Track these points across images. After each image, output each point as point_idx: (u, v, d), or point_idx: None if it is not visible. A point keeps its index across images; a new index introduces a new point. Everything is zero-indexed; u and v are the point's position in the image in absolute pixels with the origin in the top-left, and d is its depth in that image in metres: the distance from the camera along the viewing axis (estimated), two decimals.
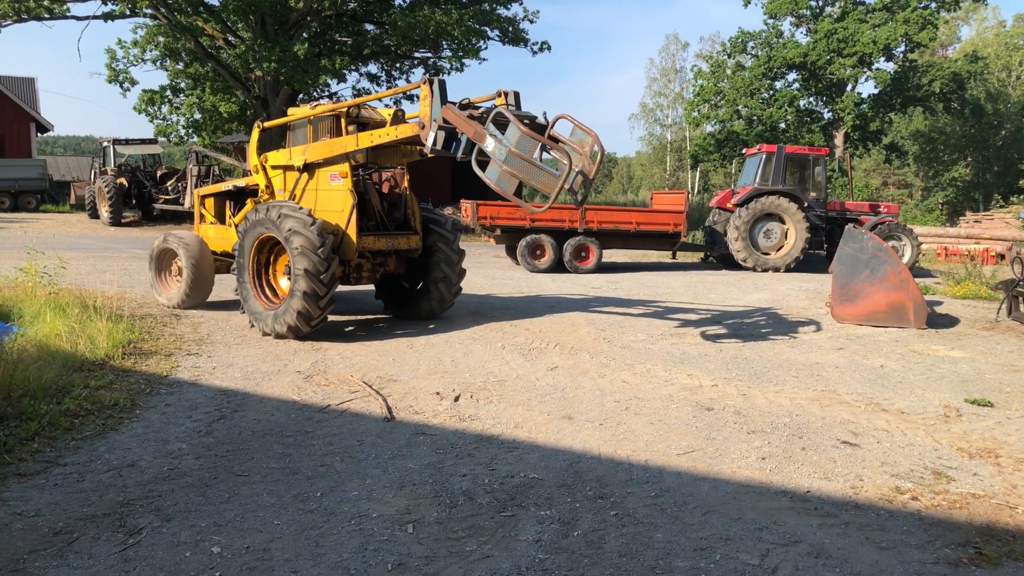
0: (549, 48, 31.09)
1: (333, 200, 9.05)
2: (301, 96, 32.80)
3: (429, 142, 7.83)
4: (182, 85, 29.96)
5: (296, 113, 9.90)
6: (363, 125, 9.15)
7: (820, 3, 37.52)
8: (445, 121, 7.65)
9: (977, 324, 10.98)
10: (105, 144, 27.77)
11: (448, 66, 31.46)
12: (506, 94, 8.30)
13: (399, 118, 8.75)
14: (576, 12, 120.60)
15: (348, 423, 5.78)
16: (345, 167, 8.97)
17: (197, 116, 29.85)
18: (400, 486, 4.58)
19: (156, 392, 6.41)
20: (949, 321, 11.16)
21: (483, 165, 7.34)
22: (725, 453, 5.27)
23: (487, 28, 29.94)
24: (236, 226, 9.78)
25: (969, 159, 45.31)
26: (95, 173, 27.72)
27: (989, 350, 9.10)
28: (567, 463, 5.03)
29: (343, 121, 9.13)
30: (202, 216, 11.27)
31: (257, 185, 10.00)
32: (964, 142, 44.34)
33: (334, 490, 4.50)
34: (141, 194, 26.60)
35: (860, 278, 10.64)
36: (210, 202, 11.26)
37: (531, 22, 31.12)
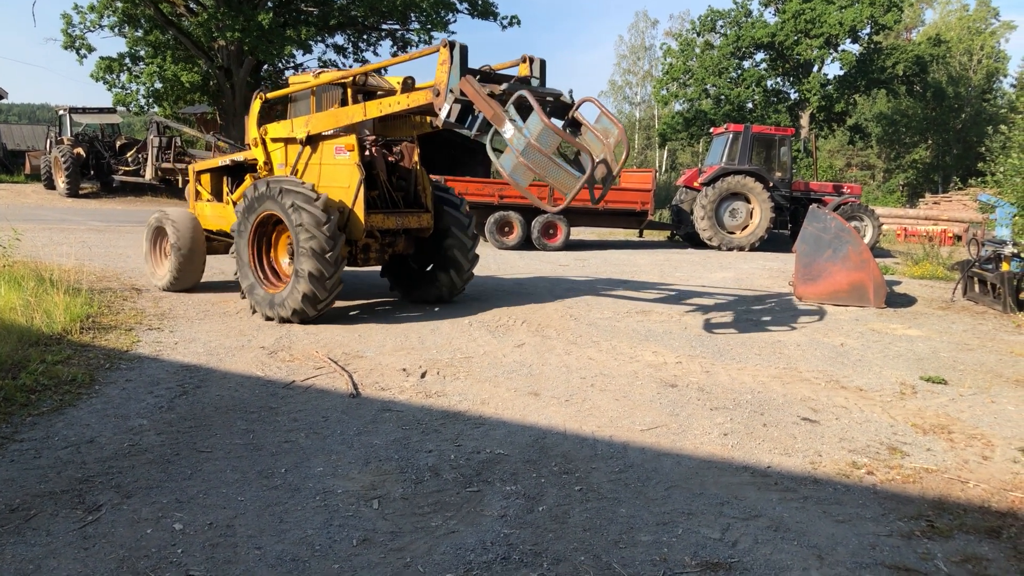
0: (519, 22, 30.83)
1: (339, 175, 8.48)
2: (267, 67, 32.17)
3: (443, 114, 7.18)
4: (142, 53, 29.09)
5: (298, 82, 9.28)
6: (370, 94, 8.67)
7: None
8: (462, 94, 7.00)
9: (934, 304, 11.24)
10: (61, 113, 26.98)
11: (416, 39, 31.07)
12: (531, 61, 7.73)
13: (409, 86, 8.15)
14: None
15: (313, 399, 5.75)
16: (351, 139, 8.38)
17: (158, 85, 29.04)
18: (366, 462, 4.57)
19: (116, 367, 6.29)
20: (907, 301, 11.41)
21: (498, 149, 6.87)
22: (688, 429, 5.35)
23: (456, 1, 29.56)
24: (234, 203, 9.22)
25: (930, 142, 46.12)
26: (51, 143, 26.93)
27: (944, 329, 9.33)
28: (533, 439, 5.06)
29: (349, 90, 8.60)
30: (198, 193, 10.54)
31: (256, 160, 9.41)
32: (925, 125, 45.10)
33: (299, 466, 4.48)
34: (99, 165, 25.94)
35: (823, 258, 10.81)
36: (206, 178, 10.52)
37: None
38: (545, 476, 4.45)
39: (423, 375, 6.47)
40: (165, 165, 25.35)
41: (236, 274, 8.65)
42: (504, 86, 7.11)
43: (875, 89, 38.91)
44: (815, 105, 36.56)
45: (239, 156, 9.96)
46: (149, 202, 25.65)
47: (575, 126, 7.47)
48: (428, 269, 9.63)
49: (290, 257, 8.38)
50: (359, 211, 8.29)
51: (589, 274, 13.29)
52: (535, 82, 7.69)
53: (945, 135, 44.84)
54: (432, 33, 29.78)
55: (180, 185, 25.39)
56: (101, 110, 27.95)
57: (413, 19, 30.36)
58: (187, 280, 9.66)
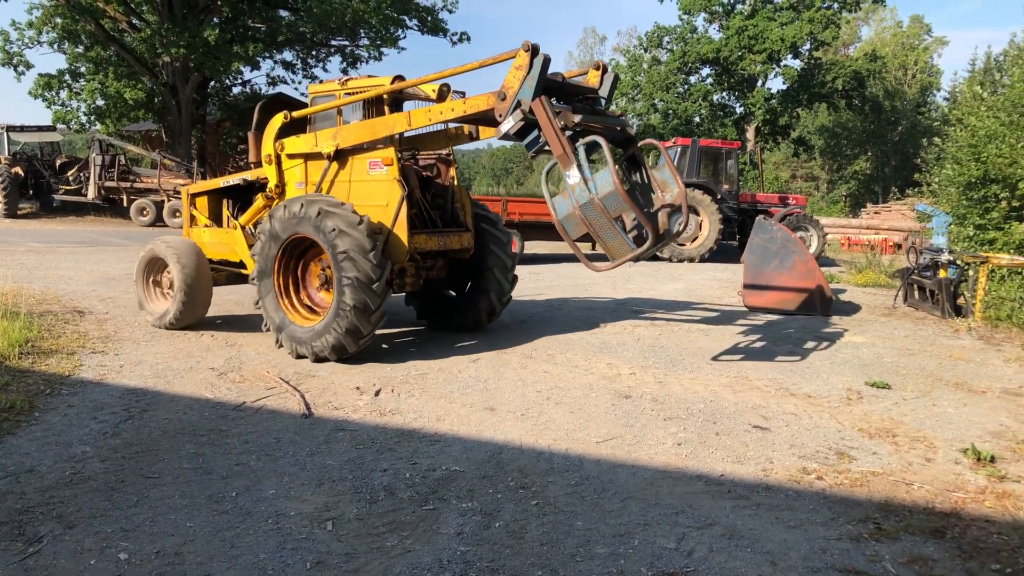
0: (468, 39, 31.01)
1: (374, 193, 7.64)
2: (214, 83, 31.70)
3: (505, 126, 6.43)
4: (82, 70, 28.43)
5: (323, 92, 8.47)
6: (398, 104, 8.09)
7: (732, 0, 38.65)
8: (531, 112, 6.29)
9: (877, 311, 11.57)
10: None
11: (366, 55, 31.02)
12: (603, 71, 7.04)
13: (444, 94, 7.67)
14: (495, 4, 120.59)
15: (265, 420, 5.64)
16: (390, 153, 7.57)
17: (100, 103, 28.40)
18: (319, 483, 4.50)
19: (57, 393, 6.09)
20: (852, 308, 11.73)
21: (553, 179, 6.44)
22: (643, 440, 5.39)
23: (405, 17, 29.61)
24: (243, 227, 8.55)
25: (869, 153, 47.64)
26: None
27: (887, 335, 9.60)
28: (489, 454, 5.04)
29: (386, 99, 7.88)
30: (193, 218, 9.55)
31: (267, 180, 8.47)
32: (865, 137, 46.60)
33: (250, 489, 4.38)
34: (39, 184, 25.23)
35: (770, 267, 11.05)
36: (203, 201, 9.52)
37: (450, 12, 30.98)
38: (502, 492, 4.43)
39: (377, 393, 6.41)
40: (108, 184, 24.77)
41: (257, 305, 7.82)
42: (578, 119, 6.45)
43: (817, 103, 40.09)
44: (760, 119, 37.48)
45: (249, 175, 8.92)
46: (92, 222, 25.00)
47: (633, 163, 7.02)
48: (464, 295, 8.94)
49: (321, 286, 7.67)
50: (401, 232, 7.47)
51: (542, 287, 13.35)
52: (602, 102, 7.13)
53: (884, 147, 46.38)
54: (382, 49, 29.76)
55: (125, 204, 24.83)
56: (40, 128, 27.16)
57: (362, 35, 30.30)
58: (191, 316, 8.64)
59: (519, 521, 4.05)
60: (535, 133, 6.48)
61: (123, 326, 8.72)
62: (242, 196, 9.19)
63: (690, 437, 5.46)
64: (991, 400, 6.64)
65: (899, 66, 48.93)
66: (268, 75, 33.42)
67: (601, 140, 6.11)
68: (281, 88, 33.91)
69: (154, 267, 8.92)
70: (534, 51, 6.27)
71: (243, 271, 8.79)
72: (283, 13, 30.49)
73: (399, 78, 7.83)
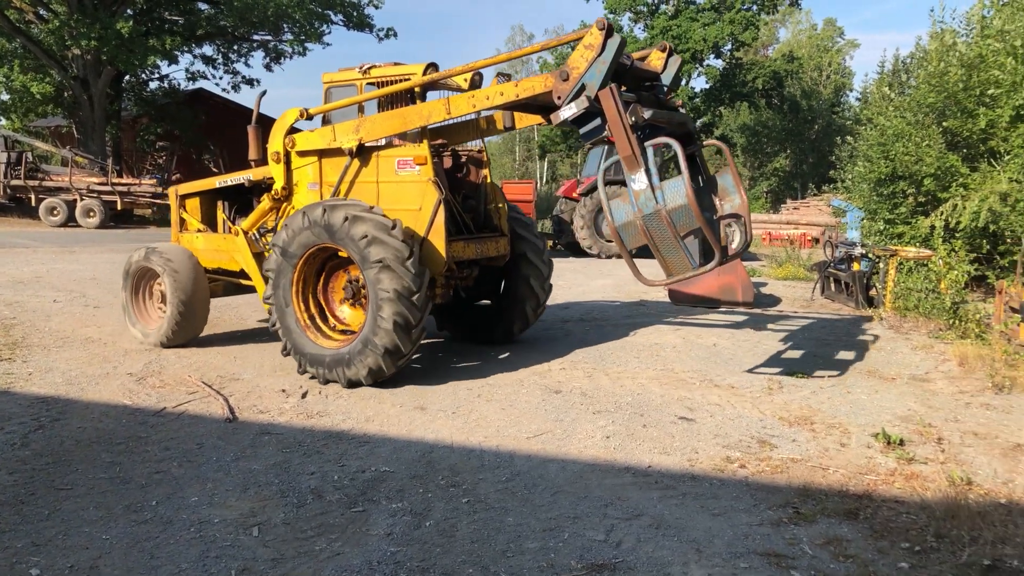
0: (395, 35, 30.73)
1: (404, 196, 6.84)
2: (129, 77, 30.52)
3: (566, 112, 5.63)
4: None
5: (339, 81, 7.59)
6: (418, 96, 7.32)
7: (656, 0, 39.39)
8: (596, 102, 5.54)
9: (796, 302, 12.00)
10: None
11: (290, 50, 30.38)
12: (670, 53, 6.33)
13: (477, 83, 6.98)
14: (423, 0, 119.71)
15: (186, 426, 5.46)
16: (423, 150, 6.76)
17: (4, 97, 27.03)
18: (244, 488, 4.39)
19: None
20: (773, 301, 12.13)
21: (613, 182, 5.71)
22: (573, 434, 5.45)
23: (330, 12, 29.12)
24: (246, 232, 7.72)
25: (788, 151, 49.27)
26: None
27: (806, 326, 9.97)
28: (420, 454, 5.01)
29: (417, 90, 7.07)
30: (182, 222, 8.69)
31: (273, 179, 7.54)
32: (784, 135, 48.18)
33: (171, 497, 4.24)
34: None
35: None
36: (194, 203, 8.64)
37: (376, 7, 30.59)
38: (432, 491, 4.41)
39: (304, 395, 6.29)
40: (15, 182, 23.62)
41: (273, 326, 6.89)
42: (648, 115, 5.77)
43: (738, 102, 41.24)
44: None
45: (247, 175, 8.00)
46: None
47: (692, 165, 6.19)
48: (494, 305, 8.34)
49: (346, 300, 6.93)
50: (437, 240, 6.68)
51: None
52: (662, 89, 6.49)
53: (801, 145, 48.06)
54: (306, 44, 29.19)
55: (33, 204, 23.68)
56: None
57: (286, 30, 29.65)
58: (188, 333, 7.84)
59: (450, 519, 4.04)
60: (595, 122, 5.73)
61: (32, 331, 8.30)
62: (239, 198, 8.41)
63: (618, 430, 5.55)
64: (900, 386, 6.97)
65: (815, 67, 50.82)
66: (187, 70, 32.25)
67: (676, 145, 5.50)
68: (201, 83, 32.90)
69: (143, 278, 8.11)
70: (609, 31, 5.47)
71: (243, 281, 8.07)
72: (202, 6, 29.61)
73: (432, 67, 7.14)
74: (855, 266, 11.46)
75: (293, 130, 7.40)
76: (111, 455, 4.85)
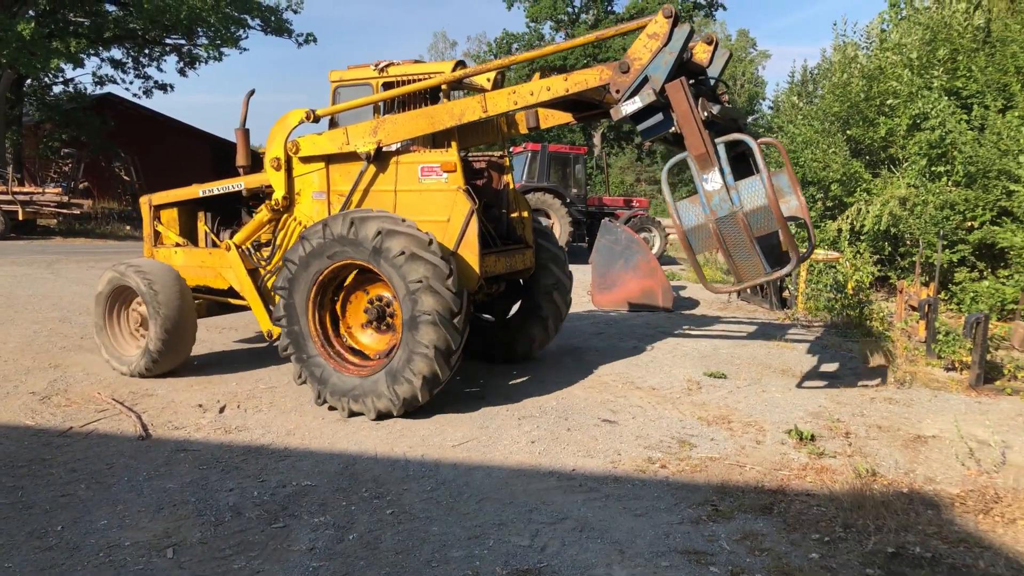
0: (315, 40, 30.23)
1: (430, 206, 6.25)
2: (31, 81, 29.06)
3: (628, 107, 5.18)
4: None
5: (350, 80, 6.90)
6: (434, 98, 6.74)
7: (576, 10, 40.08)
8: (662, 95, 5.11)
9: (714, 305, 12.36)
10: None
11: (205, 55, 29.49)
12: (715, 44, 5.83)
13: (499, 83, 6.57)
14: (343, 5, 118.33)
15: (95, 446, 5.23)
16: (452, 156, 6.19)
17: None
18: (158, 508, 4.23)
19: None
20: (691, 303, 12.46)
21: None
22: (498, 440, 5.47)
23: (247, 16, 28.42)
24: (238, 247, 7.03)
25: None
26: None
27: (723, 327, 10.28)
28: (342, 466, 4.93)
29: (443, 88, 6.38)
30: (157, 235, 7.94)
31: (268, 188, 6.98)
32: None
33: (78, 521, 4.05)
34: None
35: (616, 268, 11.53)
36: (171, 214, 7.87)
37: (295, 12, 30.06)
38: (356, 503, 4.35)
39: (222, 410, 6.11)
40: None
41: (284, 350, 6.27)
42: (716, 110, 5.32)
43: None
44: (605, 125, 39.10)
45: (239, 182, 7.35)
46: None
47: (743, 163, 5.72)
48: (512, 320, 7.87)
49: (369, 323, 6.32)
50: (470, 255, 6.13)
51: None
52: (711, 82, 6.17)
53: None
54: (222, 49, 28.41)
55: None
56: None
57: (200, 34, 28.79)
58: (173, 359, 7.06)
59: (374, 531, 3.99)
60: (657, 118, 5.33)
61: None
62: (223, 208, 7.77)
63: (543, 435, 5.59)
64: (811, 384, 7.26)
65: (729, 76, 52.56)
66: (95, 74, 30.90)
67: (752, 142, 5.20)
68: (111, 88, 31.61)
69: (119, 299, 7.34)
70: (676, 19, 5.11)
71: (232, 300, 7.50)
72: (110, 8, 28.42)
73: (461, 64, 6.56)
74: None
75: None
76: (12, 479, 4.60)
